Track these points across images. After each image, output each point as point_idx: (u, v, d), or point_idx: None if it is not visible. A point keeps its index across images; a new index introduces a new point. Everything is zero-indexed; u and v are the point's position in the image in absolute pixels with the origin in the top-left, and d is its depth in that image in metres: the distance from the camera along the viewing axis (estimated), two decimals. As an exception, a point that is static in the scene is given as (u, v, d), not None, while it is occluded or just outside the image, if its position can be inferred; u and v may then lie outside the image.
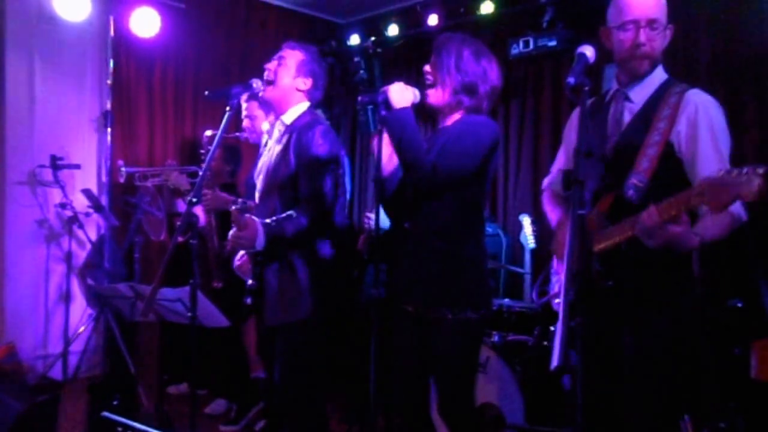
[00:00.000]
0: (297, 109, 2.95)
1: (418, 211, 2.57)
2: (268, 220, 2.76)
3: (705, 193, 1.81)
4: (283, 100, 2.95)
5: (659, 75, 2.32)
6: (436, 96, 2.60)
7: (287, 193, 2.86)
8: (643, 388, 2.21)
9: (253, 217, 2.73)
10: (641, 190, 2.15)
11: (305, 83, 2.95)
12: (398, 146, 2.45)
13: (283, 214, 2.79)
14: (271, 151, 2.99)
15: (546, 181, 2.75)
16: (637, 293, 2.22)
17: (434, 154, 2.50)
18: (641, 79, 2.31)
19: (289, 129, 2.92)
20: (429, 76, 2.61)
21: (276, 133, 2.99)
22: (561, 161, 2.68)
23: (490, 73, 2.59)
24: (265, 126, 3.10)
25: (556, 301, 2.52)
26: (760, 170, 1.69)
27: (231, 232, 2.70)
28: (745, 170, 1.72)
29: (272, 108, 3.04)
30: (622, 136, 2.31)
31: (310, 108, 2.98)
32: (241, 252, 3.14)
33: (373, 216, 3.89)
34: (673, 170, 2.18)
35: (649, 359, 2.21)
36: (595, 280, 2.19)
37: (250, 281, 2.97)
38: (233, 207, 2.65)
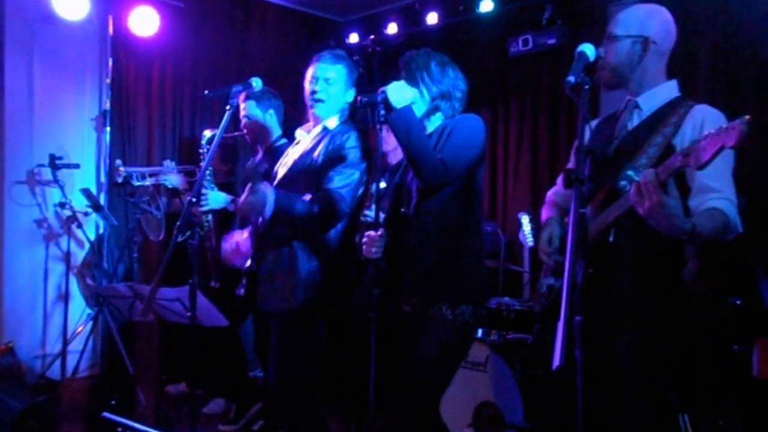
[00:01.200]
0: (339, 117, 3.04)
1: (422, 209, 2.58)
2: (281, 192, 2.78)
3: (691, 152, 1.83)
4: (332, 113, 3.02)
5: (672, 88, 2.35)
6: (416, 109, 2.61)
7: (301, 189, 2.88)
8: (635, 387, 2.22)
9: (267, 184, 2.74)
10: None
11: (351, 94, 3.04)
12: (407, 145, 2.46)
13: (297, 195, 2.82)
14: (301, 147, 3.03)
15: (550, 192, 2.76)
16: (623, 289, 2.23)
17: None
18: (646, 87, 2.34)
19: (324, 132, 3.00)
20: None
21: (313, 134, 3.04)
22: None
23: (458, 80, 2.67)
24: (298, 134, 3.14)
25: (543, 302, 2.54)
26: (745, 117, 1.72)
27: (242, 197, 2.71)
28: (730, 123, 1.76)
29: (316, 119, 3.08)
30: (625, 137, 2.33)
31: (348, 117, 3.07)
32: (235, 239, 3.15)
33: (368, 213, 3.91)
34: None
35: (639, 356, 2.21)
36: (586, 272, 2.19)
37: (248, 263, 2.99)
38: (250, 165, 2.65)
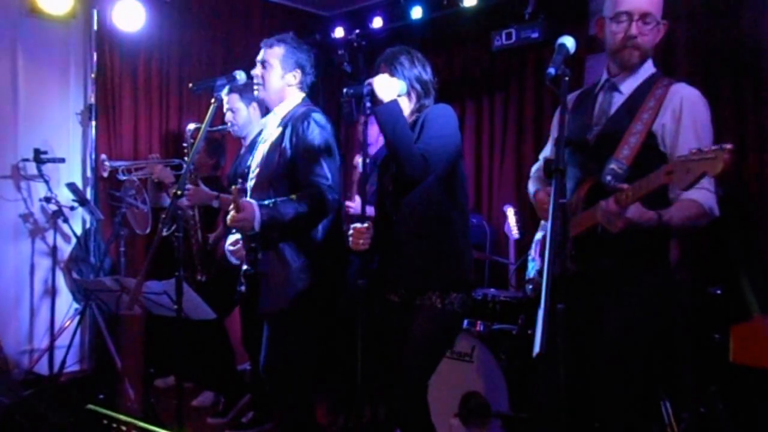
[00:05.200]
0: (291, 101, 3.02)
1: (406, 200, 2.60)
2: (265, 202, 2.78)
3: (674, 171, 1.86)
4: (277, 98, 3.02)
5: (648, 68, 2.36)
6: (402, 105, 2.63)
7: (283, 185, 2.89)
8: (615, 372, 2.25)
9: (249, 200, 2.76)
10: (619, 177, 2.17)
11: (295, 77, 3.01)
12: (392, 139, 2.48)
13: (281, 198, 2.82)
14: (265, 144, 3.03)
15: (533, 169, 2.79)
16: (610, 277, 2.26)
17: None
18: (631, 70, 2.35)
19: (284, 121, 2.97)
20: None
21: (270, 126, 3.02)
22: (548, 150, 2.72)
23: (432, 72, 2.71)
24: (261, 120, 3.15)
25: (529, 286, 2.58)
26: (727, 146, 1.75)
27: (230, 215, 2.71)
28: (713, 147, 1.78)
29: (267, 105, 3.08)
30: (606, 124, 2.34)
31: (305, 99, 3.04)
32: (232, 237, 3.17)
33: (352, 205, 3.93)
34: (653, 161, 2.20)
35: (621, 342, 2.25)
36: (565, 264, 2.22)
37: (245, 267, 3.00)
38: (234, 186, 2.68)
